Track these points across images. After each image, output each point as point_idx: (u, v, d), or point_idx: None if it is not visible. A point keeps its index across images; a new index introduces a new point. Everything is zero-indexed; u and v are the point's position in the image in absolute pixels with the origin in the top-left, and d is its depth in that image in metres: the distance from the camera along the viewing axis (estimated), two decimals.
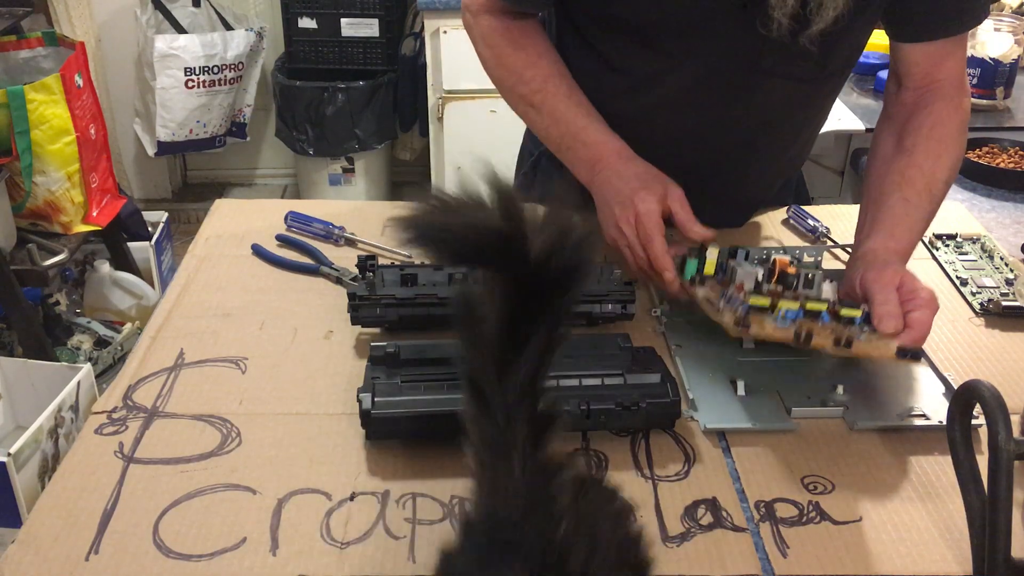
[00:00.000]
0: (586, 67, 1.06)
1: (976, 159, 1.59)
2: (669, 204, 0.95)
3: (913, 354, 0.83)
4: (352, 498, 0.76)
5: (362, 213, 1.19)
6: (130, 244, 2.55)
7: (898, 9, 1.01)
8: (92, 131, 2.29)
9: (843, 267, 1.02)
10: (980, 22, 1.02)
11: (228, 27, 3.01)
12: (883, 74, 1.90)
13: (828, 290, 0.91)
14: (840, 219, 1.20)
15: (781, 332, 0.84)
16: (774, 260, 0.92)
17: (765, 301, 0.86)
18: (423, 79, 2.71)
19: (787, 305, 0.85)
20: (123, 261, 2.52)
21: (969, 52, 1.84)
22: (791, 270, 0.91)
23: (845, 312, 0.86)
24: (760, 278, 0.91)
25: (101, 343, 2.37)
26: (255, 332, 0.96)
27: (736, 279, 0.91)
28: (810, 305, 0.86)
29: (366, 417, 0.79)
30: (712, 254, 0.92)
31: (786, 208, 1.22)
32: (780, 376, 0.90)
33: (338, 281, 1.05)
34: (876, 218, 0.97)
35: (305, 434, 0.83)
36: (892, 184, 0.98)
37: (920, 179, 0.98)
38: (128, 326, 2.44)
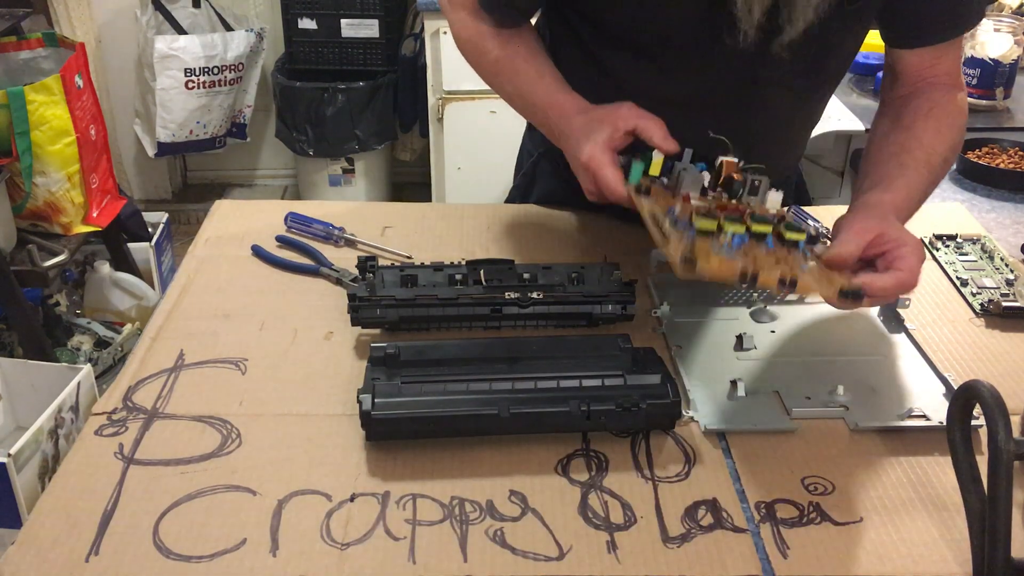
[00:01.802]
0: (583, 76, 1.05)
1: (976, 159, 1.59)
2: (625, 130, 0.92)
3: (854, 295, 0.81)
4: (352, 499, 0.76)
5: (362, 214, 1.19)
6: (130, 245, 2.55)
7: (889, 16, 1.01)
8: (92, 132, 2.29)
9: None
10: (973, 26, 1.02)
11: (228, 28, 3.01)
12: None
13: (773, 199, 0.89)
14: None
15: (727, 267, 0.80)
16: (721, 163, 0.90)
17: (712, 225, 0.83)
18: (423, 80, 2.71)
19: (732, 228, 0.83)
20: (123, 262, 2.52)
21: (969, 52, 1.85)
22: (737, 176, 0.89)
23: (789, 235, 0.84)
24: (707, 184, 0.90)
25: (101, 344, 2.37)
26: (255, 333, 0.96)
27: (682, 185, 0.89)
28: (755, 227, 0.84)
29: (366, 418, 0.79)
30: (658, 154, 0.90)
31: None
32: (780, 376, 0.90)
33: (338, 282, 1.05)
34: (870, 176, 0.96)
35: (305, 435, 0.83)
36: (889, 153, 0.98)
37: (919, 150, 0.97)
38: (128, 327, 2.44)
